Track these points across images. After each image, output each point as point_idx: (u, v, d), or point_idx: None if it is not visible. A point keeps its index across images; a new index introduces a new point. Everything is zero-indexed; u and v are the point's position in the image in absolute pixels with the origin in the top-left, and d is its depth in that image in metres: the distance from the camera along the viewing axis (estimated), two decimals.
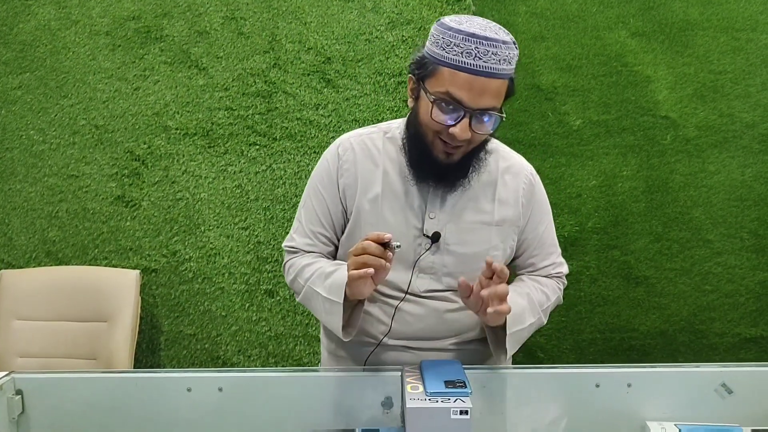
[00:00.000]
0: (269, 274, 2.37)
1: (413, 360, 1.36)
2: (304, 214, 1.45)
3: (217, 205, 2.37)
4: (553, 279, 1.47)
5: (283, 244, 1.49)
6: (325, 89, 2.35)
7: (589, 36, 2.32)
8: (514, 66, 1.24)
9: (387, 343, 1.40)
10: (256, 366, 2.38)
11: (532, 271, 1.47)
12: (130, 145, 2.37)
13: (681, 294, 2.37)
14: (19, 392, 1.30)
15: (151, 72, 2.36)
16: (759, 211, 2.33)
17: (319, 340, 1.60)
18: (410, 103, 1.34)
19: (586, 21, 2.32)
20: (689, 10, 2.30)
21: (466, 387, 1.16)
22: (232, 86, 2.35)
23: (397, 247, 1.20)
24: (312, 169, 1.48)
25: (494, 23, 1.23)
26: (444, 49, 1.21)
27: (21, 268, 2.38)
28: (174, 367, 2.40)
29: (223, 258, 2.37)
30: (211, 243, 2.37)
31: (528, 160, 1.50)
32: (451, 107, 1.22)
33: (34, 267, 2.38)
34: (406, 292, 1.36)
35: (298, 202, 1.49)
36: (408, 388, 1.18)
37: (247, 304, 2.38)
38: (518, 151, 1.50)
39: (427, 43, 1.27)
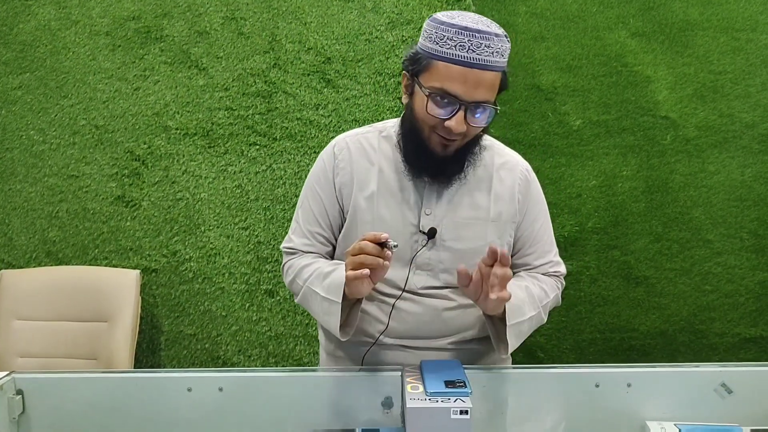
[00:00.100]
0: (269, 274, 2.37)
1: (412, 360, 1.36)
2: (302, 215, 1.46)
3: (217, 205, 2.37)
4: (550, 277, 1.46)
5: (281, 246, 1.50)
6: (325, 89, 2.35)
7: (589, 36, 2.32)
8: (506, 59, 1.26)
9: (385, 342, 1.40)
10: (256, 366, 2.38)
11: (529, 269, 1.47)
12: (130, 145, 2.37)
13: (681, 294, 2.37)
14: (19, 392, 1.30)
15: (151, 72, 2.36)
16: (759, 211, 2.33)
17: (319, 341, 1.61)
18: (404, 99, 1.34)
19: (586, 21, 2.32)
20: (689, 10, 2.30)
21: (466, 387, 1.16)
22: (233, 86, 2.36)
23: (395, 246, 1.21)
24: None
25: (486, 18, 1.25)
26: (437, 43, 1.22)
27: (21, 268, 2.38)
28: (174, 367, 2.40)
29: (223, 258, 2.37)
30: (211, 243, 2.37)
31: (528, 160, 1.50)
32: (446, 101, 1.24)
33: (34, 267, 2.38)
34: (403, 290, 1.36)
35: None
36: (408, 388, 1.18)
37: (248, 304, 2.38)
38: (518, 152, 1.50)
39: (420, 39, 1.28)
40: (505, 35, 1.24)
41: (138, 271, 2.27)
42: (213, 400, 1.30)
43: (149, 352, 2.41)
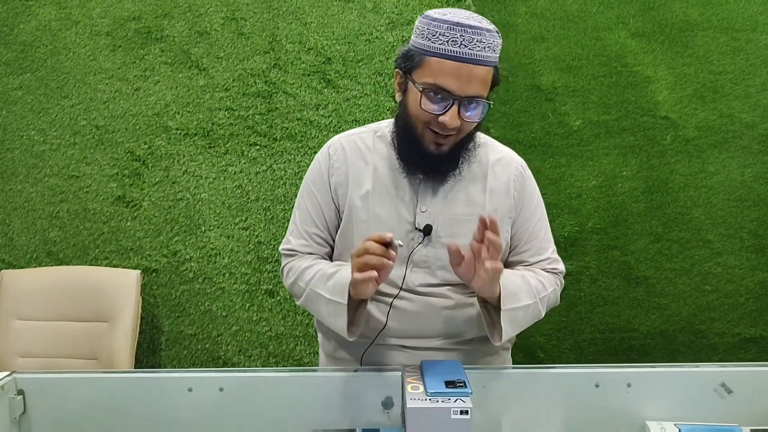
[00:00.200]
0: (270, 274, 2.37)
1: (411, 361, 1.36)
2: (299, 216, 1.47)
3: (217, 205, 2.37)
4: (549, 273, 1.45)
5: (280, 248, 1.50)
6: (326, 90, 2.35)
7: (589, 36, 2.32)
8: (498, 54, 1.27)
9: (384, 342, 1.40)
10: (256, 366, 2.38)
11: (527, 266, 1.46)
12: (130, 146, 2.37)
13: (681, 294, 2.37)
14: (20, 392, 1.30)
15: (151, 72, 2.36)
16: (759, 212, 2.34)
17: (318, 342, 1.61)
18: (398, 97, 1.35)
19: (586, 22, 2.32)
20: (689, 10, 2.30)
21: (466, 387, 1.16)
22: (233, 86, 2.36)
23: (399, 245, 1.21)
24: None
25: (477, 14, 1.26)
26: (430, 40, 1.24)
27: (22, 268, 2.38)
28: (174, 367, 2.41)
29: (223, 258, 2.38)
30: (211, 243, 2.37)
31: (528, 160, 1.50)
32: (439, 96, 1.25)
33: (34, 267, 2.38)
34: (401, 288, 1.37)
35: None
36: (408, 388, 1.18)
37: (248, 304, 2.38)
38: (518, 152, 1.51)
39: (413, 37, 1.29)
40: (497, 31, 1.25)
41: (138, 271, 2.27)
42: (213, 400, 1.30)
43: (150, 352, 2.41)
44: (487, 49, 1.23)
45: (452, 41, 1.22)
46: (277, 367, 2.37)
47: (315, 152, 2.32)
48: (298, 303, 1.45)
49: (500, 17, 2.33)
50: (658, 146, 2.34)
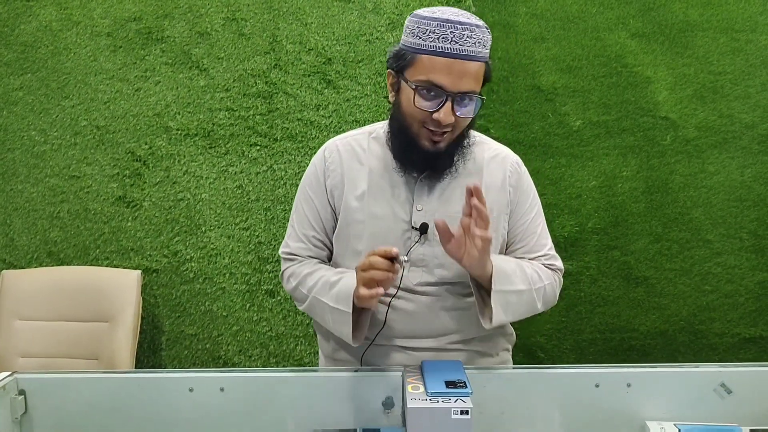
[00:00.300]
0: (270, 275, 2.38)
1: (411, 361, 1.36)
2: (296, 219, 1.48)
3: (218, 205, 2.38)
4: (547, 269, 1.44)
5: (279, 251, 1.51)
6: (326, 90, 2.35)
7: (589, 37, 2.33)
8: (488, 50, 1.28)
9: (384, 343, 1.40)
10: (257, 366, 2.38)
11: None
12: (131, 146, 2.37)
13: (681, 294, 2.38)
14: (21, 392, 1.31)
15: (152, 73, 2.37)
16: (758, 212, 2.34)
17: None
18: (391, 97, 1.36)
19: (586, 22, 2.32)
20: (689, 11, 2.31)
21: (466, 387, 1.17)
22: (233, 87, 2.36)
23: (405, 261, 1.22)
24: None
25: (465, 11, 1.28)
26: (420, 38, 1.25)
27: (23, 268, 2.39)
28: (175, 367, 2.41)
29: (224, 258, 2.38)
30: (212, 243, 2.38)
31: (528, 160, 1.51)
32: (432, 93, 1.25)
33: (35, 267, 2.38)
34: (399, 287, 1.37)
35: None
36: (409, 388, 1.19)
37: (248, 304, 2.39)
38: (518, 152, 1.51)
39: (403, 36, 1.30)
40: (486, 27, 1.27)
41: (139, 272, 2.27)
42: (214, 400, 1.31)
43: (150, 353, 2.41)
44: (477, 44, 1.24)
45: (443, 38, 1.22)
46: (277, 367, 2.37)
47: (315, 153, 2.34)
48: (300, 308, 1.46)
49: (500, 17, 2.33)
50: (658, 146, 2.34)
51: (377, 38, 2.34)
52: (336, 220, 1.43)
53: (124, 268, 2.36)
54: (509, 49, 2.33)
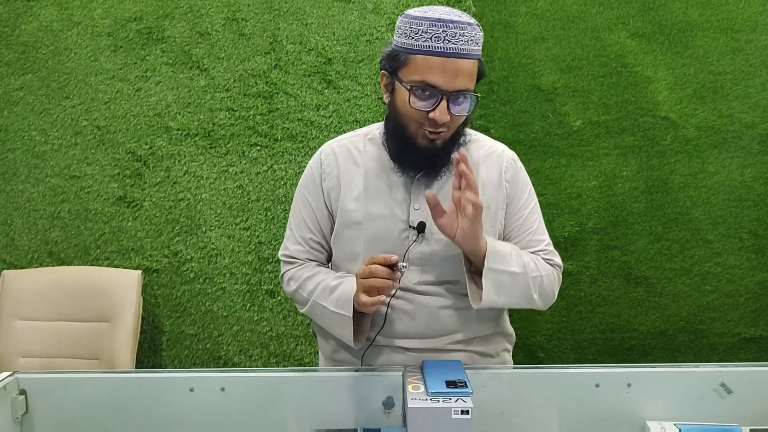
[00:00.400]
0: (270, 275, 2.38)
1: (411, 362, 1.37)
2: (294, 222, 1.49)
3: (218, 205, 2.38)
4: (546, 263, 1.43)
5: (278, 254, 1.52)
6: (326, 90, 2.35)
7: (589, 37, 2.33)
8: (481, 47, 1.28)
9: (384, 343, 1.40)
10: (257, 366, 2.39)
11: None
12: (131, 146, 2.38)
13: (681, 294, 2.38)
14: (22, 392, 1.31)
15: (152, 73, 2.37)
16: (758, 212, 2.34)
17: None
18: (386, 98, 1.36)
19: (586, 22, 2.33)
20: (689, 11, 2.31)
21: (467, 387, 1.17)
22: (234, 87, 2.36)
23: (404, 267, 1.23)
24: None
25: (456, 9, 1.28)
26: (413, 38, 1.25)
27: (23, 268, 2.39)
28: (175, 367, 2.41)
29: (224, 258, 2.38)
30: (212, 243, 2.38)
31: (528, 160, 1.51)
32: (427, 93, 1.26)
33: (36, 267, 2.38)
34: (398, 287, 1.37)
35: None
36: (409, 388, 1.19)
37: (249, 304, 2.39)
38: (518, 152, 1.51)
39: (395, 37, 1.31)
40: (477, 24, 1.27)
41: (139, 272, 2.27)
42: (215, 400, 1.31)
43: (151, 353, 2.42)
44: (470, 42, 1.24)
45: (436, 37, 1.23)
46: (278, 367, 2.37)
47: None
48: (301, 311, 1.46)
49: (500, 17, 2.33)
50: (658, 146, 2.34)
51: (377, 38, 2.34)
52: (333, 222, 1.44)
53: (125, 268, 2.37)
54: (509, 49, 2.33)
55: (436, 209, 1.26)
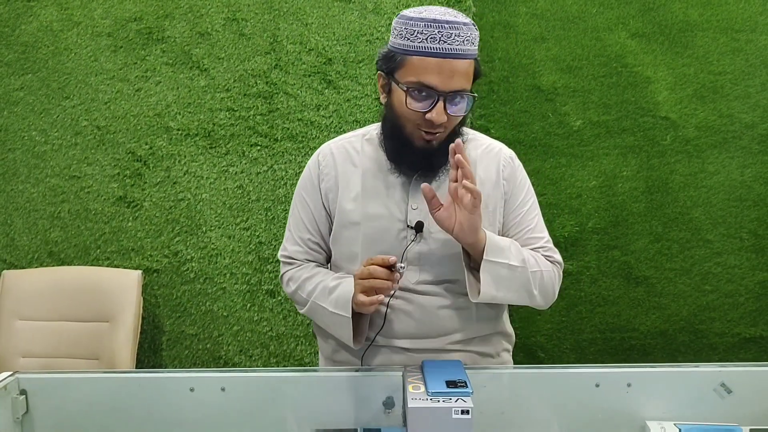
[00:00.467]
0: (270, 275, 2.38)
1: (410, 362, 1.37)
2: (293, 223, 1.49)
3: (218, 205, 2.38)
4: (545, 260, 1.42)
5: (278, 255, 1.52)
6: (327, 90, 2.35)
7: (590, 37, 2.33)
8: (477, 47, 1.28)
9: (383, 344, 1.41)
10: (257, 366, 2.39)
11: None
12: (131, 146, 2.38)
13: (681, 294, 2.38)
14: (23, 392, 1.31)
15: (152, 73, 2.37)
16: (758, 212, 2.34)
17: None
18: (383, 99, 1.37)
19: (587, 22, 2.33)
20: (689, 11, 2.31)
21: (467, 387, 1.17)
22: (234, 87, 2.36)
23: (402, 268, 1.23)
24: None
25: (452, 9, 1.28)
26: (409, 39, 1.25)
27: (23, 268, 2.39)
28: (176, 367, 2.41)
29: (224, 258, 2.38)
30: (212, 243, 2.38)
31: (528, 160, 1.51)
32: (423, 94, 1.26)
33: (36, 267, 2.39)
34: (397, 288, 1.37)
35: None
36: (410, 387, 1.19)
37: (249, 304, 2.39)
38: (518, 152, 1.51)
39: (391, 38, 1.31)
40: (473, 24, 1.27)
41: (140, 272, 2.27)
42: (215, 400, 1.31)
43: (151, 353, 2.42)
44: (466, 42, 1.24)
45: (431, 38, 1.23)
46: (278, 367, 2.37)
47: None
48: (300, 312, 1.47)
49: (500, 17, 2.34)
50: (658, 146, 2.34)
51: (378, 38, 2.34)
52: (331, 222, 1.44)
53: (125, 268, 2.37)
54: (509, 49, 2.33)
55: (432, 202, 1.26)
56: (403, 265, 1.24)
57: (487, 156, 1.44)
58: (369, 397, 1.30)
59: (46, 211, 2.39)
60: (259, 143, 2.36)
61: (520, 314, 2.37)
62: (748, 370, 1.32)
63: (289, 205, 2.35)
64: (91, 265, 2.38)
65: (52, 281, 2.26)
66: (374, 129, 1.45)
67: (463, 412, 1.11)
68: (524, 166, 1.49)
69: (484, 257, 1.28)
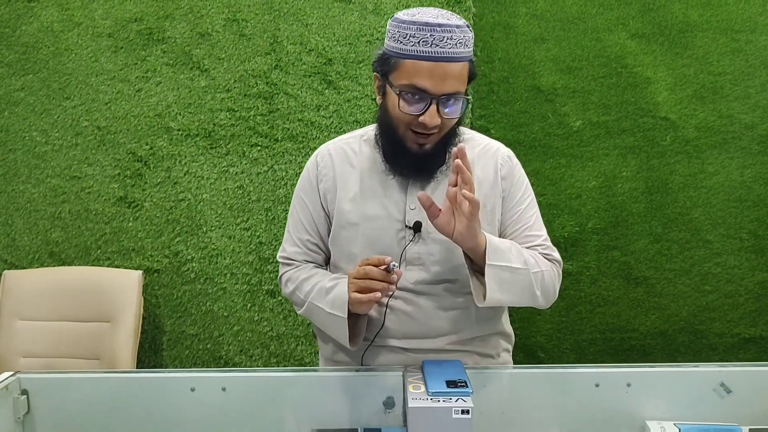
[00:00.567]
0: (271, 275, 2.38)
1: (410, 362, 1.37)
2: (292, 224, 1.49)
3: (218, 205, 2.38)
4: (544, 258, 1.42)
5: (277, 256, 1.52)
6: (327, 90, 2.36)
7: (589, 38, 2.33)
8: (471, 49, 1.28)
9: (383, 344, 1.41)
10: (258, 366, 2.39)
11: None
12: (132, 147, 2.38)
13: (681, 294, 2.38)
14: (24, 392, 1.31)
15: (153, 73, 2.37)
16: (758, 212, 2.34)
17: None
18: (378, 100, 1.37)
19: (586, 23, 2.33)
20: (689, 11, 2.31)
21: (467, 387, 1.17)
22: (234, 87, 2.36)
23: (395, 266, 1.22)
24: None
25: (446, 11, 1.28)
26: (402, 42, 1.25)
27: (24, 268, 2.39)
28: (176, 367, 2.41)
29: (225, 258, 2.38)
30: (213, 244, 2.38)
31: (528, 161, 1.51)
32: (416, 97, 1.26)
33: (37, 267, 2.39)
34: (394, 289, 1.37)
35: None
36: (410, 387, 1.19)
37: (249, 305, 2.39)
38: (518, 153, 1.51)
39: (386, 40, 1.31)
40: (467, 25, 1.27)
41: (140, 272, 2.28)
42: (216, 400, 1.31)
43: (151, 353, 2.42)
44: (459, 45, 1.24)
45: (423, 42, 1.23)
46: (278, 367, 2.38)
47: None
48: (299, 312, 1.47)
49: (500, 18, 2.34)
50: (657, 147, 2.34)
51: (378, 39, 2.35)
52: (330, 223, 1.44)
53: (126, 268, 2.37)
54: (509, 50, 2.34)
55: (431, 210, 1.26)
56: (395, 264, 1.23)
57: (484, 155, 1.44)
58: (369, 397, 1.30)
59: (46, 211, 2.40)
60: (260, 143, 2.37)
61: (519, 314, 2.37)
62: (747, 370, 1.32)
63: (290, 206, 2.37)
64: (92, 265, 2.38)
65: (53, 281, 2.26)
66: (372, 130, 1.45)
67: (463, 411, 1.11)
68: (524, 167, 1.49)
69: (487, 261, 1.27)
